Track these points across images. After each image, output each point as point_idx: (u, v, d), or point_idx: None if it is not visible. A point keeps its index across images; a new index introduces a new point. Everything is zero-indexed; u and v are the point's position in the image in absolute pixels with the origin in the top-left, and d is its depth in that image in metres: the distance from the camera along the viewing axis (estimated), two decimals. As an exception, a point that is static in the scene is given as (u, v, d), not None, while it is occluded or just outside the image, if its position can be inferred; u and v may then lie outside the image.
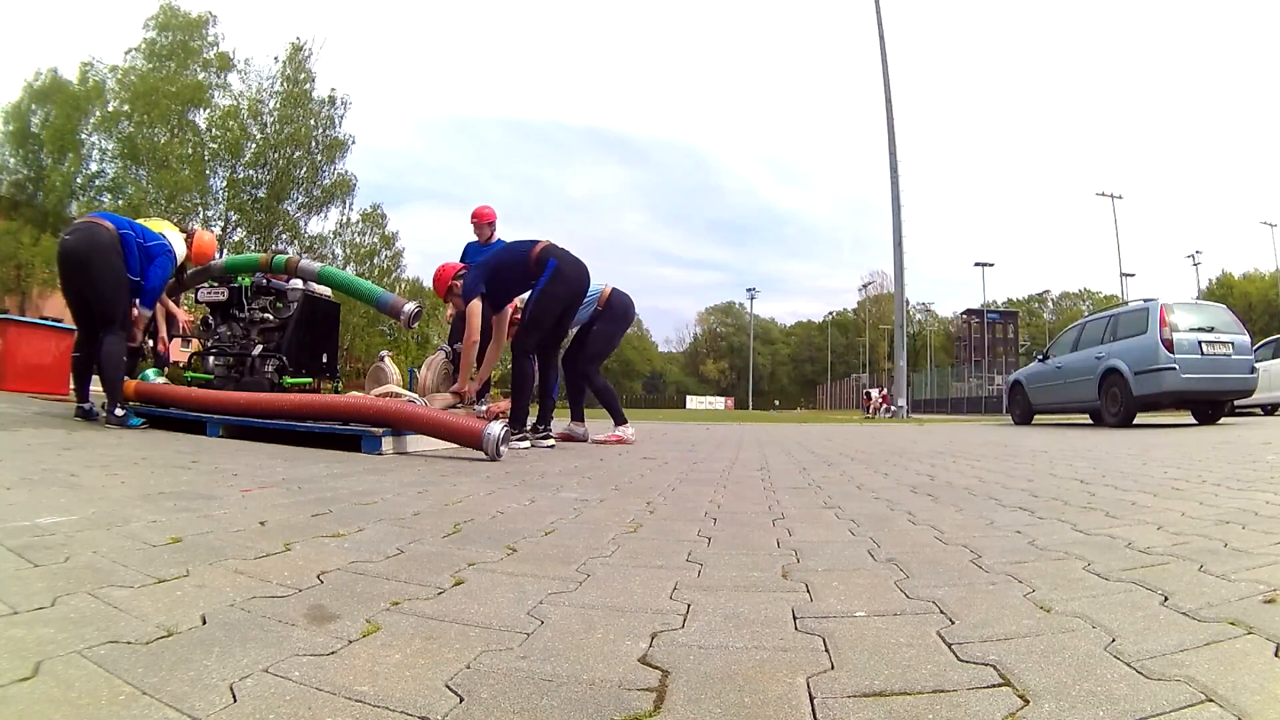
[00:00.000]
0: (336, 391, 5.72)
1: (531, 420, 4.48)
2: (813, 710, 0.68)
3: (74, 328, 8.28)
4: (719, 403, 66.56)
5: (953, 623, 0.93)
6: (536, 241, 4.34)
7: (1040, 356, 10.67)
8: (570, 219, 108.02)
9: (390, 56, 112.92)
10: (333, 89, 24.22)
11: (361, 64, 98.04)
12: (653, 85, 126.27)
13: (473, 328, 4.11)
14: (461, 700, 0.68)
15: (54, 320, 8.62)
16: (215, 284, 5.40)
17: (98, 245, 4.04)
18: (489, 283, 4.25)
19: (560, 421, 4.99)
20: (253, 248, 21.62)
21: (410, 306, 5.03)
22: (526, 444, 4.18)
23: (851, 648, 0.84)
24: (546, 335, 4.44)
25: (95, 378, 4.29)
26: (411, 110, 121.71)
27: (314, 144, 23.65)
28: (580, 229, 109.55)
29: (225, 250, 21.37)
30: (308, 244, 23.65)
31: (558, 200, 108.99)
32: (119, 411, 4.08)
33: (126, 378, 4.72)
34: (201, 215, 21.89)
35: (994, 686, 0.72)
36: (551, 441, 4.43)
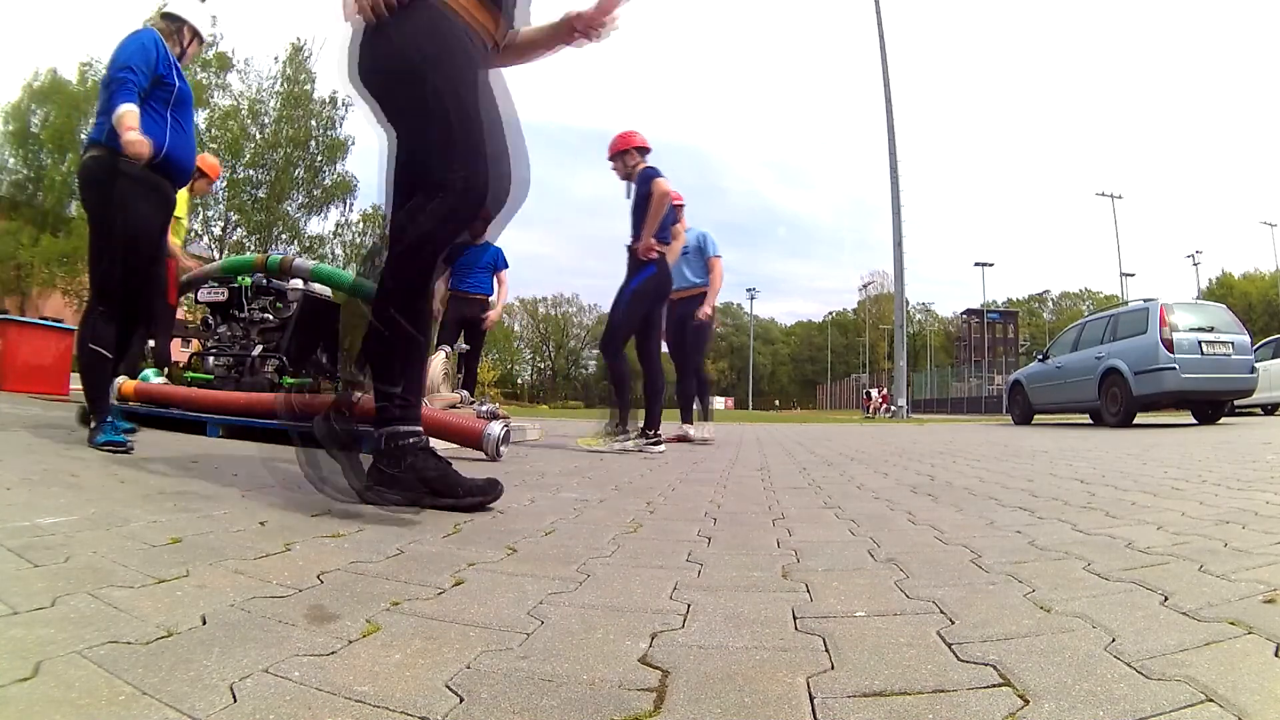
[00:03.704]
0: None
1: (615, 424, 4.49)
2: (813, 710, 0.68)
3: (74, 328, 8.30)
4: (719, 403, 66.41)
5: (953, 623, 0.93)
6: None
7: (1040, 356, 10.67)
8: (574, 220, 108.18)
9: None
10: (334, 90, 24.24)
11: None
12: (657, 88, 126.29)
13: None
14: (461, 700, 0.68)
15: (54, 320, 8.63)
16: (215, 284, 5.41)
17: (85, 177, 2.91)
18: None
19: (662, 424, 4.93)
20: (252, 248, 21.64)
21: None
22: (631, 445, 4.24)
23: (851, 648, 0.84)
24: (644, 336, 4.54)
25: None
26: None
27: (314, 145, 23.67)
28: (584, 229, 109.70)
29: (225, 251, 21.39)
30: (307, 244, 23.66)
31: (562, 201, 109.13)
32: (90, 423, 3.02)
33: (126, 378, 4.71)
34: (201, 215, 21.91)
35: (994, 686, 0.72)
36: (662, 448, 4.37)
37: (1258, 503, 1.95)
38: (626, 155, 4.56)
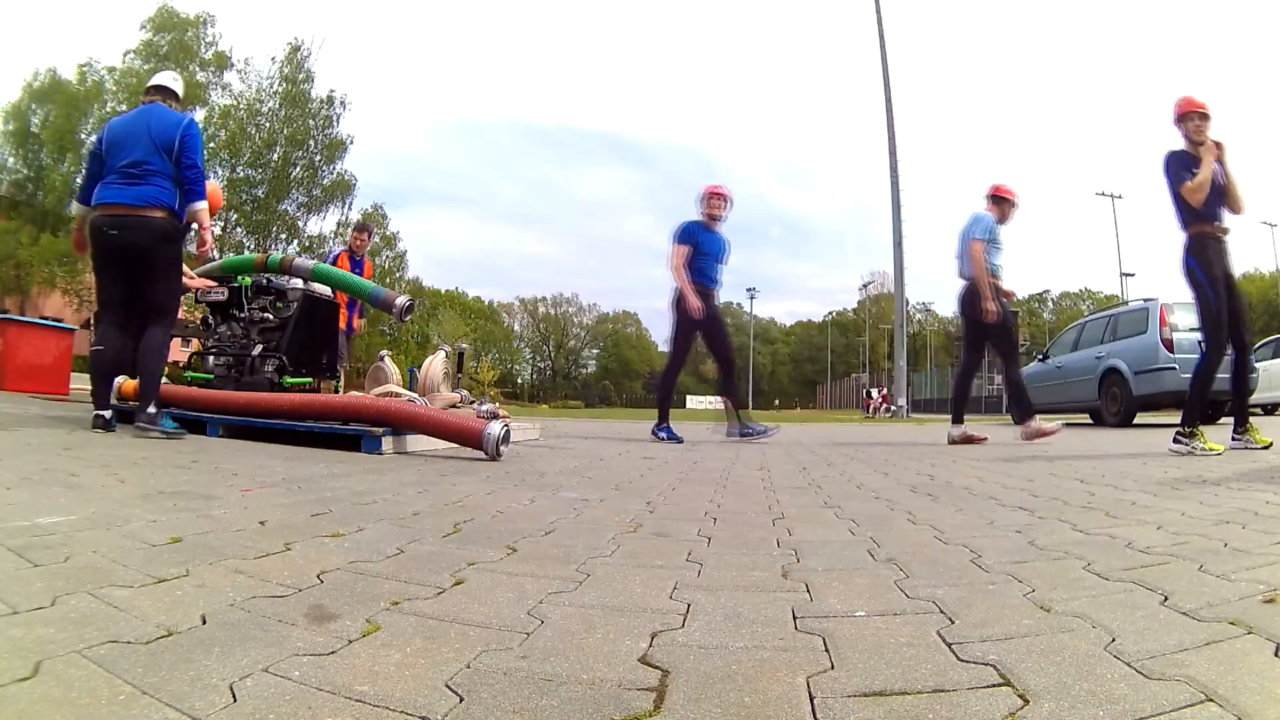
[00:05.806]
0: (336, 391, 5.72)
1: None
2: (813, 710, 0.68)
3: (74, 327, 8.30)
4: (719, 403, 66.51)
5: (953, 623, 0.93)
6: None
7: (1040, 356, 10.67)
8: (577, 220, 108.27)
9: (401, 62, 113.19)
10: (331, 89, 24.22)
11: (372, 69, 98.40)
12: (659, 90, 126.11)
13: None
14: (461, 700, 0.68)
15: (54, 320, 8.63)
16: (215, 284, 5.41)
17: (161, 235, 3.61)
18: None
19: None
20: (251, 248, 21.62)
21: (402, 300, 5.11)
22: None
23: (851, 648, 0.84)
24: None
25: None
26: (421, 114, 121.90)
27: (312, 144, 23.66)
28: (584, 229, 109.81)
29: (225, 250, 21.38)
30: (307, 244, 23.65)
31: (565, 202, 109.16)
32: (153, 409, 3.60)
33: (127, 378, 4.71)
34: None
35: (994, 686, 0.72)
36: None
37: (1258, 503, 1.95)
38: (1189, 120, 3.95)
